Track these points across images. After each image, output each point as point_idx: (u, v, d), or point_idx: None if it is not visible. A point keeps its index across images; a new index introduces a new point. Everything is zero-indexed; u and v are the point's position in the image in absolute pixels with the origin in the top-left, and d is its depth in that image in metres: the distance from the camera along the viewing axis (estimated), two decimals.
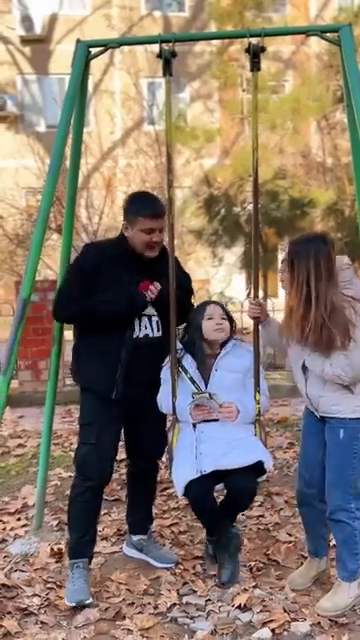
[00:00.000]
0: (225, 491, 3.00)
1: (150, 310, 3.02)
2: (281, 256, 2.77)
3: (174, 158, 3.09)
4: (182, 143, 10.29)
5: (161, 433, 3.17)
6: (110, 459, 3.04)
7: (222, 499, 3.06)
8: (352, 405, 2.74)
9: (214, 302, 3.24)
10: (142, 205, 2.99)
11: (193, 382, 3.07)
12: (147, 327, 3.02)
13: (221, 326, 3.11)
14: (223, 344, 3.15)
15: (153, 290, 2.97)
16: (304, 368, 2.81)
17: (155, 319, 3.05)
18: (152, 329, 3.04)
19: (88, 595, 2.89)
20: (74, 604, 2.85)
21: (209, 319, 3.11)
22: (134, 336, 2.99)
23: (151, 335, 3.03)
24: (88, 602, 2.86)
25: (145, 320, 3.02)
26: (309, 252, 2.64)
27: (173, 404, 3.07)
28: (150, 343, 3.02)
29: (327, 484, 2.82)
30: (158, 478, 3.41)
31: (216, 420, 3.03)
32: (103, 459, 2.99)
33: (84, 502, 3.00)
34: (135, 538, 3.33)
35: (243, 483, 2.91)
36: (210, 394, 3.00)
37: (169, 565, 3.21)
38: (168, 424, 3.13)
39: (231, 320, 3.17)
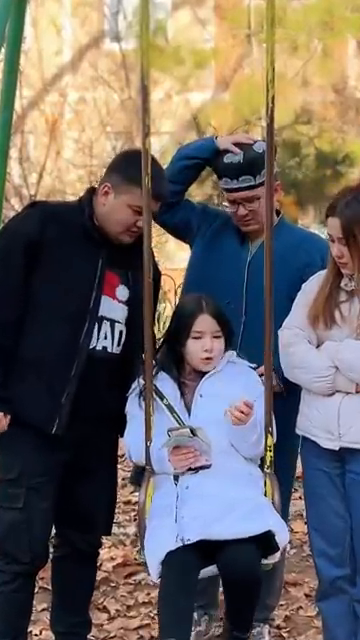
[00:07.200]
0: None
1: (116, 313, 3.01)
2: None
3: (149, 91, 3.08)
4: (160, 69, 10.37)
5: (111, 497, 3.21)
6: (47, 532, 3.02)
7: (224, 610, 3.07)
8: None
9: (208, 307, 3.10)
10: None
11: (172, 411, 3.06)
12: (107, 337, 3.02)
13: (211, 354, 3.09)
14: None
15: None
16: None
17: (119, 328, 3.04)
18: (113, 341, 3.03)
19: None
20: None
21: (196, 338, 3.11)
22: (91, 346, 2.97)
23: (110, 350, 3.03)
24: None
25: (106, 327, 3.00)
26: None
27: (147, 449, 3.08)
28: (108, 360, 3.03)
29: None
30: (121, 559, 3.41)
31: (207, 467, 3.02)
32: (37, 532, 2.96)
33: (11, 594, 2.98)
34: None
35: (242, 561, 2.86)
36: (192, 429, 2.96)
37: None
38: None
39: (227, 332, 3.16)
